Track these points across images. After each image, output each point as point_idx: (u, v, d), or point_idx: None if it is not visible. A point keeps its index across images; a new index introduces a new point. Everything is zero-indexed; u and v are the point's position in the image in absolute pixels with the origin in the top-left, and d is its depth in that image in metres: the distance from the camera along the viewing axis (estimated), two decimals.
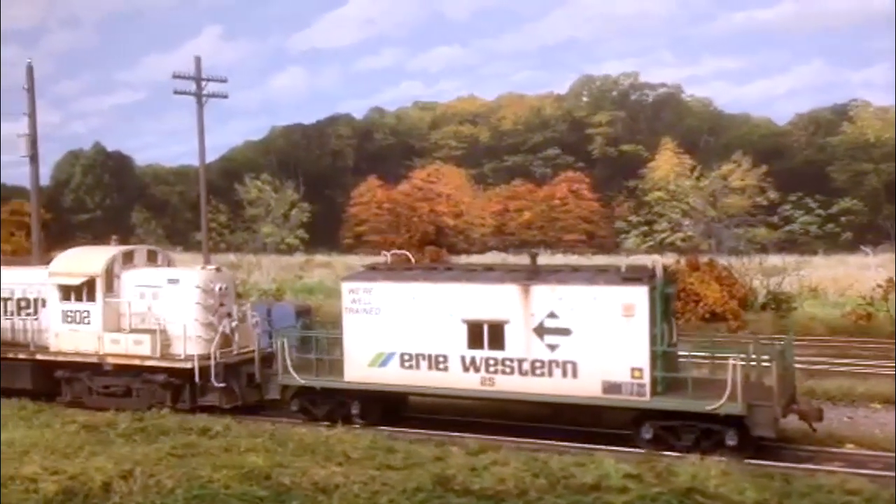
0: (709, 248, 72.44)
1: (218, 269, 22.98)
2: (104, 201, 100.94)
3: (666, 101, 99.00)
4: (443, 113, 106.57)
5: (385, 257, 20.40)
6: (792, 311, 36.80)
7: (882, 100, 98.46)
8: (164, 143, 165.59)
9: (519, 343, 17.27)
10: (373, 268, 19.75)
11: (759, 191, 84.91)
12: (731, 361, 15.86)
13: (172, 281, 21.60)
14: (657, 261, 17.36)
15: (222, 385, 20.49)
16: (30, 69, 37.04)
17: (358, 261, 67.70)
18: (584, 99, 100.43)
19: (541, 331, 17.08)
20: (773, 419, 15.76)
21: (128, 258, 22.62)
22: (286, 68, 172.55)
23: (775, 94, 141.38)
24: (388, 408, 19.59)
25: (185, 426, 17.33)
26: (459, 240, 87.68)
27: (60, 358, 21.99)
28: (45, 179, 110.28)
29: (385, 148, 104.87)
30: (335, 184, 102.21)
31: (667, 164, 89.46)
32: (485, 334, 17.54)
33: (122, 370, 21.38)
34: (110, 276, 21.79)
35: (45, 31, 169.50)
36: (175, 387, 20.93)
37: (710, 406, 15.94)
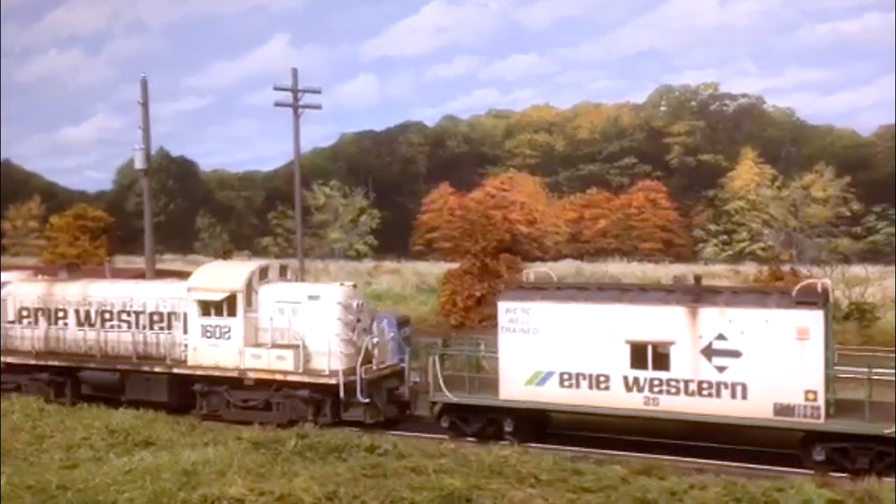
0: (790, 258, 71.11)
1: (355, 286, 23.34)
2: (168, 206, 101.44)
3: (747, 111, 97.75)
4: (517, 121, 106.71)
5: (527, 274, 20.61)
6: (875, 320, 36.18)
7: None
8: (229, 150, 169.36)
9: (685, 364, 17.45)
10: (526, 287, 20.02)
11: (842, 201, 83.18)
12: None
13: (313, 297, 21.96)
14: (826, 283, 17.32)
15: (366, 401, 20.84)
16: (144, 83, 38.05)
17: (428, 267, 68.47)
18: (663, 108, 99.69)
19: (709, 352, 17.24)
20: None
21: (263, 273, 23.05)
22: (357, 76, 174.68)
23: (859, 106, 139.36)
24: (533, 425, 19.87)
25: (351, 443, 17.46)
26: (533, 247, 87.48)
27: (199, 372, 22.35)
28: (107, 184, 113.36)
29: (458, 155, 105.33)
30: (406, 190, 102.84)
31: (747, 173, 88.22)
32: (649, 355, 17.73)
33: (261, 384, 21.71)
34: (250, 291, 22.22)
35: (109, 37, 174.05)
36: (317, 402, 21.29)
37: (888, 430, 15.85)
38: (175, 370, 22.85)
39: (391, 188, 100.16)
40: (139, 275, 36.79)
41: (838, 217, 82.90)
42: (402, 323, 25.15)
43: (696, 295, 17.78)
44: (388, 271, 68.56)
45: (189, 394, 22.72)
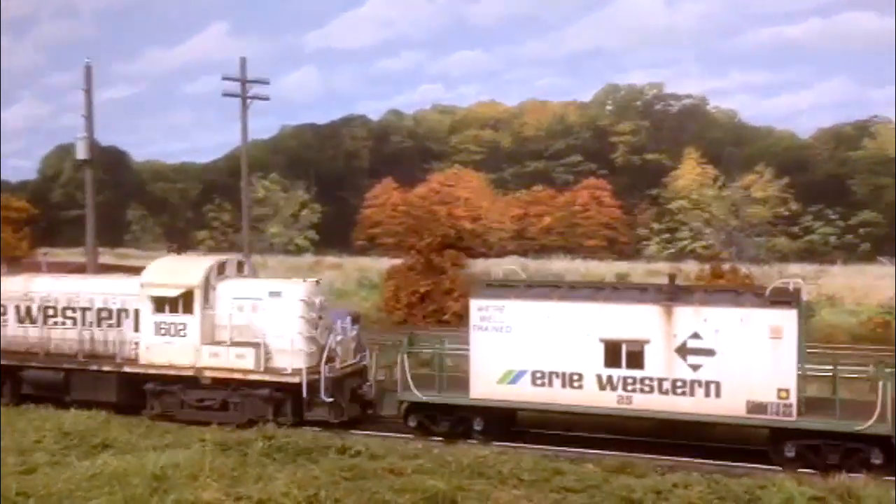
0: (729, 257, 73.02)
1: (317, 282, 23.08)
2: (97, 198, 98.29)
3: (691, 112, 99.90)
4: (463, 117, 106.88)
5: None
6: (810, 318, 37.55)
7: None
8: (163, 140, 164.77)
9: (659, 363, 17.69)
10: (500, 285, 20.01)
11: (781, 202, 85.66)
12: (881, 381, 16.25)
13: (274, 294, 21.65)
14: (798, 282, 17.76)
15: (331, 400, 20.60)
16: (88, 69, 36.91)
17: (370, 263, 68.15)
18: (609, 107, 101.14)
19: (683, 351, 17.51)
20: None
21: (220, 269, 22.64)
22: (298, 67, 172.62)
23: (799, 109, 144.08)
24: (502, 424, 19.90)
25: (321, 444, 17.28)
26: (477, 244, 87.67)
27: (152, 371, 21.87)
28: (31, 174, 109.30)
29: (402, 150, 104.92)
30: (349, 185, 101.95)
31: (690, 173, 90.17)
32: (623, 354, 17.89)
33: (218, 384, 21.32)
34: (207, 287, 21.82)
35: (36, 21, 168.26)
36: (277, 401, 20.96)
37: (858, 426, 16.33)
38: (126, 369, 22.26)
39: (333, 182, 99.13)
40: (78, 269, 35.69)
41: (777, 217, 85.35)
42: (354, 319, 24.97)
43: (671, 294, 18.03)
44: (329, 266, 68.00)
45: (139, 393, 22.13)
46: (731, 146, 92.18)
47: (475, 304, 19.30)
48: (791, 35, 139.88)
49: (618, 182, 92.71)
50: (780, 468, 16.71)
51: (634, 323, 17.86)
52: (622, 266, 65.40)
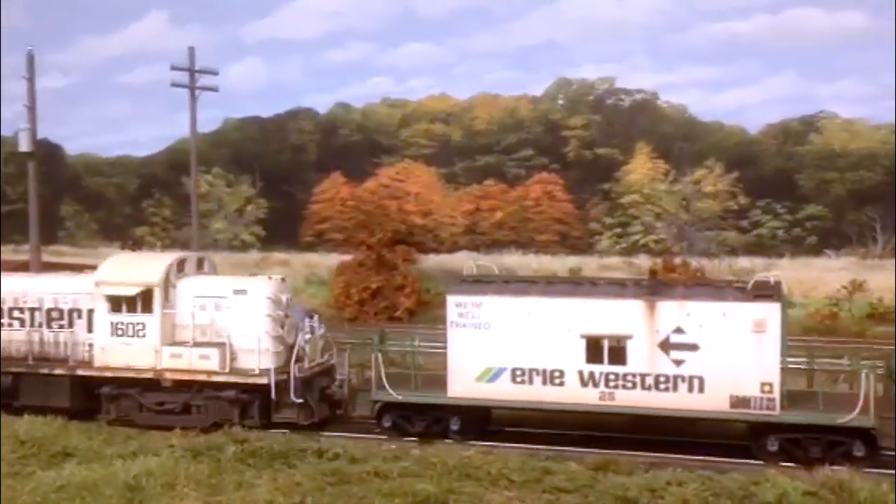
0: (680, 251, 74.40)
1: (283, 279, 22.68)
2: (28, 193, 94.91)
3: (642, 106, 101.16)
4: (413, 111, 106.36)
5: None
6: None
7: (848, 112, 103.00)
8: (98, 132, 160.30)
9: (642, 358, 17.69)
10: (476, 280, 19.77)
11: (731, 196, 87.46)
12: (863, 373, 16.49)
13: (239, 292, 21.20)
14: (778, 276, 17.91)
15: (300, 401, 20.21)
16: (30, 57, 35.74)
17: (318, 259, 67.48)
18: (560, 102, 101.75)
19: (666, 346, 17.53)
20: None
21: (180, 266, 22.09)
22: (242, 58, 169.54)
23: (748, 104, 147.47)
24: (479, 423, 19.71)
25: (296, 448, 16.84)
26: (428, 239, 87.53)
27: (108, 373, 21.18)
28: None
29: (350, 144, 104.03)
30: (295, 180, 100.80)
31: (641, 168, 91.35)
32: (605, 349, 17.84)
33: (180, 386, 20.78)
34: (167, 285, 21.24)
35: None
36: (244, 403, 20.49)
37: (842, 419, 16.54)
38: (79, 372, 21.49)
39: (280, 177, 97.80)
40: (20, 267, 34.40)
41: (726, 211, 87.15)
42: (310, 317, 24.56)
43: (653, 288, 18.02)
44: (276, 263, 67.16)
45: (94, 397, 21.41)
46: (682, 141, 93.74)
47: (452, 301, 19.04)
48: (740, 31, 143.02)
49: (570, 177, 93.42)
50: (763, 463, 16.86)
51: (616, 318, 17.82)
52: (574, 261, 65.90)
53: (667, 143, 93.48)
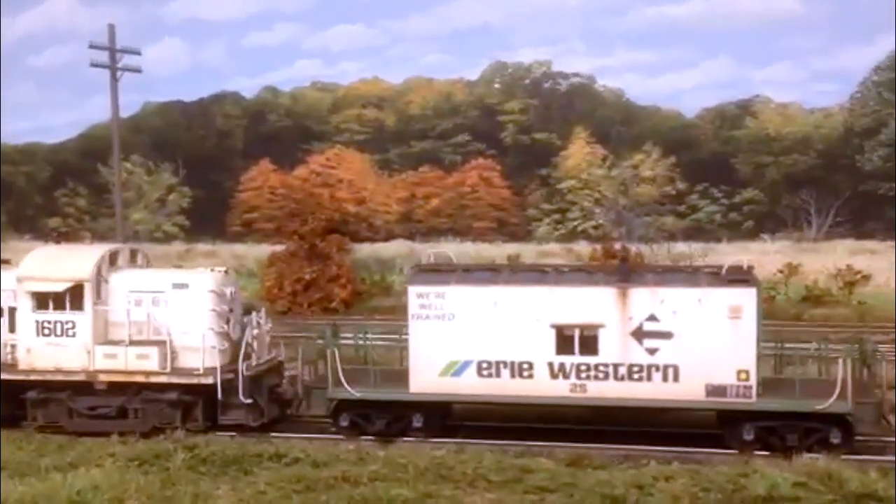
0: (619, 237, 75.28)
1: (227, 272, 21.77)
2: None
3: (579, 90, 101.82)
4: (344, 95, 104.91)
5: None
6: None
7: (782, 96, 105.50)
8: (5, 119, 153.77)
9: (614, 348, 17.40)
10: (440, 269, 19.16)
11: (668, 181, 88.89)
12: (842, 358, 16.51)
13: (179, 286, 20.26)
14: (749, 261, 17.83)
15: (249, 401, 19.44)
16: None
17: (247, 250, 66.15)
18: (497, 86, 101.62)
19: (639, 334, 17.27)
20: (878, 416, 16.57)
21: (111, 259, 21.01)
22: (161, 39, 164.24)
23: (684, 88, 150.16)
24: (442, 419, 19.19)
25: (250, 453, 16.11)
26: (362, 227, 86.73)
27: (34, 377, 20.02)
28: None
29: (279, 130, 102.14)
30: (221, 167, 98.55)
31: (579, 153, 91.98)
32: (576, 339, 17.48)
33: (115, 388, 19.77)
34: (99, 280, 20.18)
35: None
36: (186, 405, 19.64)
37: (819, 406, 16.54)
38: (3, 376, 20.13)
39: (204, 164, 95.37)
40: None
41: (664, 196, 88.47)
42: (247, 311, 23.70)
43: (625, 275, 17.72)
44: (202, 254, 65.90)
45: (18, 403, 20.11)
46: (620, 125, 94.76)
47: (413, 291, 18.40)
48: (675, 14, 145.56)
49: (507, 162, 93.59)
50: (736, 451, 16.77)
51: (587, 307, 17.45)
52: (513, 248, 66.10)
53: (604, 127, 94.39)
